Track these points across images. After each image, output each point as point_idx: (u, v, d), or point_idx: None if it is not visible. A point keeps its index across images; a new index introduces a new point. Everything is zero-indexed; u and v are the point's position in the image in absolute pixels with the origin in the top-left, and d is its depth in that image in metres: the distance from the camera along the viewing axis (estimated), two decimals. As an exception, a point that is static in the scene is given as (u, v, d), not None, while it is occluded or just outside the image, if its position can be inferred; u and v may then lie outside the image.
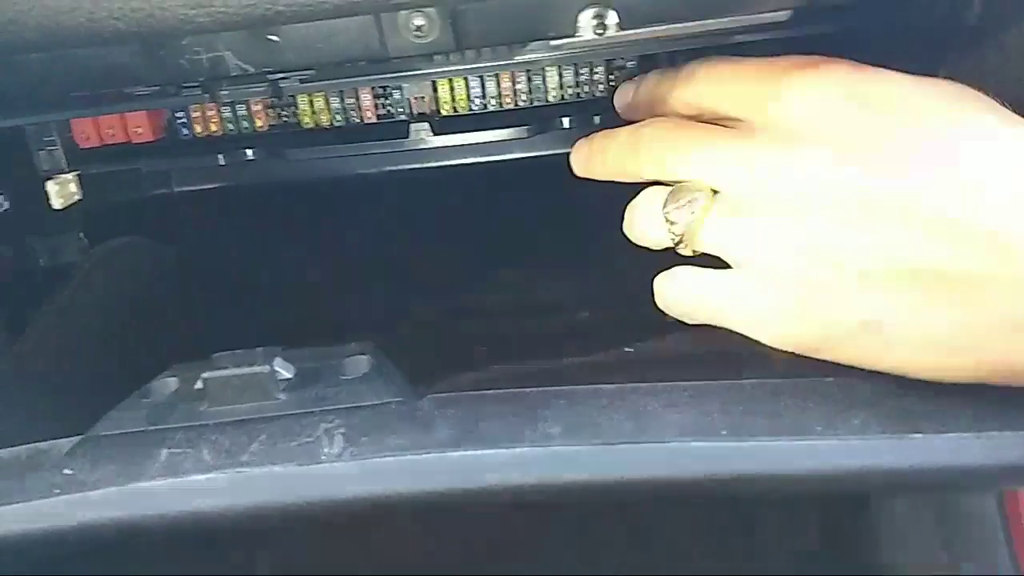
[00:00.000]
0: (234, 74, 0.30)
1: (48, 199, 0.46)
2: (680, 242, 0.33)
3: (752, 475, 0.26)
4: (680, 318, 0.35)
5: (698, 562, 0.65)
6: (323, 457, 0.29)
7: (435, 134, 0.47)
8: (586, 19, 0.28)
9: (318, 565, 0.69)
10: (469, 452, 0.29)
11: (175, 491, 0.29)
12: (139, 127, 0.45)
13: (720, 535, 0.65)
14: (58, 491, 0.30)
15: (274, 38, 0.29)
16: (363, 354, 0.35)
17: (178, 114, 0.47)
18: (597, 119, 0.45)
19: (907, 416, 0.28)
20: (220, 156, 0.46)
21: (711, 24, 0.31)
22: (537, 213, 0.51)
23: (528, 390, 0.31)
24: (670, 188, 0.33)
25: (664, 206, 0.33)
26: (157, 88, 0.36)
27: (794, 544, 0.62)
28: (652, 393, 0.30)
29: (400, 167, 0.48)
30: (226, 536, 0.61)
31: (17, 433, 0.34)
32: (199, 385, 0.32)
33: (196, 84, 0.36)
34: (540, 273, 0.53)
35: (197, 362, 0.34)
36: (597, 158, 0.38)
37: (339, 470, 0.29)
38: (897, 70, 0.30)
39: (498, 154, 0.48)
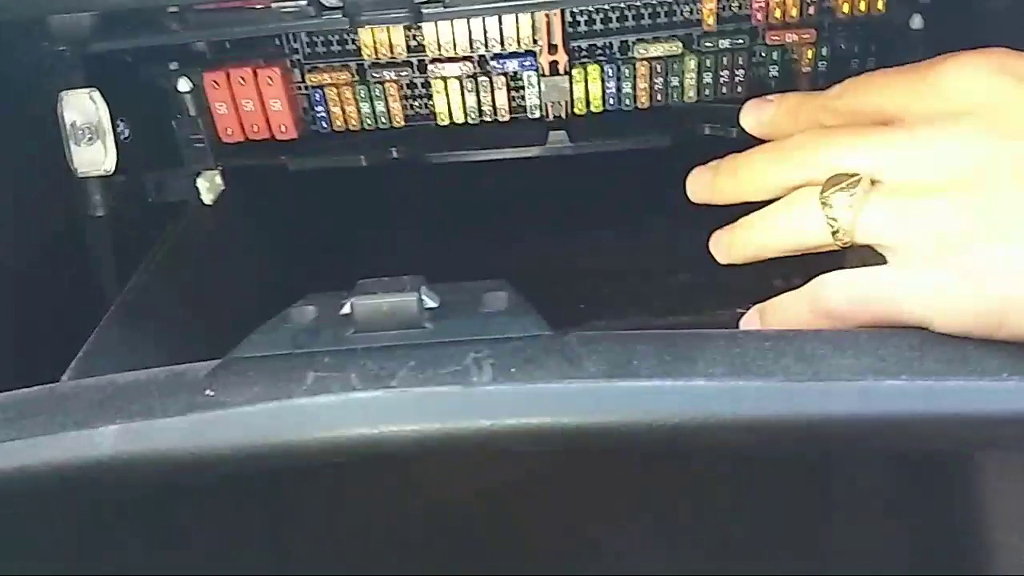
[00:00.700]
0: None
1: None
2: (838, 231, 0.32)
3: (942, 416, 0.25)
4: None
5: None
6: (474, 383, 0.29)
7: (571, 140, 0.47)
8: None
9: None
10: (627, 382, 0.28)
11: (325, 410, 0.28)
12: (283, 124, 0.47)
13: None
14: (200, 410, 0.29)
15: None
16: (501, 290, 0.34)
17: (317, 108, 0.48)
18: (734, 131, 0.44)
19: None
20: (362, 157, 0.47)
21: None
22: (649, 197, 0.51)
23: (679, 332, 0.30)
24: (821, 185, 0.32)
25: (821, 192, 0.32)
26: (299, 6, 0.35)
27: None
28: (819, 338, 0.29)
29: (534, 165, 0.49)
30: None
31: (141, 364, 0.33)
32: (346, 310, 0.31)
33: (339, 6, 0.36)
34: (642, 242, 0.54)
35: (333, 292, 0.34)
36: (727, 178, 0.37)
37: (491, 395, 0.28)
38: None
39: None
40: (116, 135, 0.42)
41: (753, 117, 0.38)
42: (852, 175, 0.31)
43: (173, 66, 0.46)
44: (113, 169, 0.42)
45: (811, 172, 0.33)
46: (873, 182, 0.31)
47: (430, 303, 0.32)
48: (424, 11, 0.36)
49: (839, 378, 0.26)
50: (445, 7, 0.36)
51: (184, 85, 0.45)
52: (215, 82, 0.46)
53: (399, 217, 0.52)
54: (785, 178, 0.34)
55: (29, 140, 0.42)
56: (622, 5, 0.46)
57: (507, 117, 0.49)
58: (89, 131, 0.41)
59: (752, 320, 0.36)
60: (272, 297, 0.37)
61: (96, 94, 0.41)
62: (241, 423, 0.29)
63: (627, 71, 0.47)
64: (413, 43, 0.46)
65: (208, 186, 0.47)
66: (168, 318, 0.39)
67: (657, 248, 0.53)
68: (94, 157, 0.41)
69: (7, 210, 0.42)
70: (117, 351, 0.36)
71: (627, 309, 0.51)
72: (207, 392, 0.30)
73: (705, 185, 0.38)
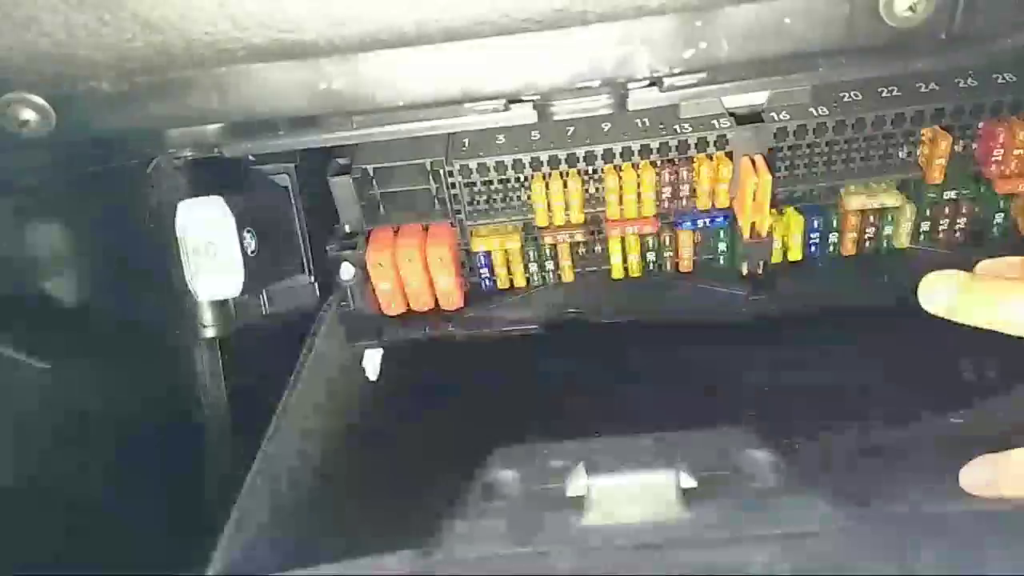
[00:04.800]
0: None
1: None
2: None
3: None
4: None
5: None
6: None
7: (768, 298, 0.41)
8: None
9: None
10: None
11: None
12: (450, 296, 0.42)
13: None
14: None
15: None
16: (761, 450, 0.26)
17: (482, 270, 0.43)
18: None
19: None
20: (535, 325, 0.42)
21: None
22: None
23: None
24: None
25: None
26: (492, 105, 0.28)
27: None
28: None
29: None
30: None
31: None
32: (577, 491, 0.24)
33: (530, 99, 0.29)
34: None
35: (522, 446, 0.27)
36: (981, 303, 0.31)
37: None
38: None
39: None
40: (243, 248, 0.35)
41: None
42: None
43: (331, 246, 0.40)
44: (239, 292, 0.35)
45: None
46: None
47: (688, 482, 0.24)
48: (633, 95, 0.29)
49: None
50: (661, 91, 0.29)
51: (347, 273, 0.40)
52: (380, 263, 0.40)
53: (572, 374, 0.44)
54: None
55: (140, 255, 0.36)
56: (832, 139, 0.39)
57: (689, 268, 0.43)
58: (211, 246, 0.34)
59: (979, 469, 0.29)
60: (437, 452, 0.30)
61: (220, 201, 0.34)
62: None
63: (834, 220, 0.42)
64: (587, 194, 0.40)
65: (372, 366, 0.42)
66: (318, 484, 0.32)
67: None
68: (217, 278, 0.34)
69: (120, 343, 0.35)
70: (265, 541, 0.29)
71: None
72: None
73: (950, 298, 0.31)
